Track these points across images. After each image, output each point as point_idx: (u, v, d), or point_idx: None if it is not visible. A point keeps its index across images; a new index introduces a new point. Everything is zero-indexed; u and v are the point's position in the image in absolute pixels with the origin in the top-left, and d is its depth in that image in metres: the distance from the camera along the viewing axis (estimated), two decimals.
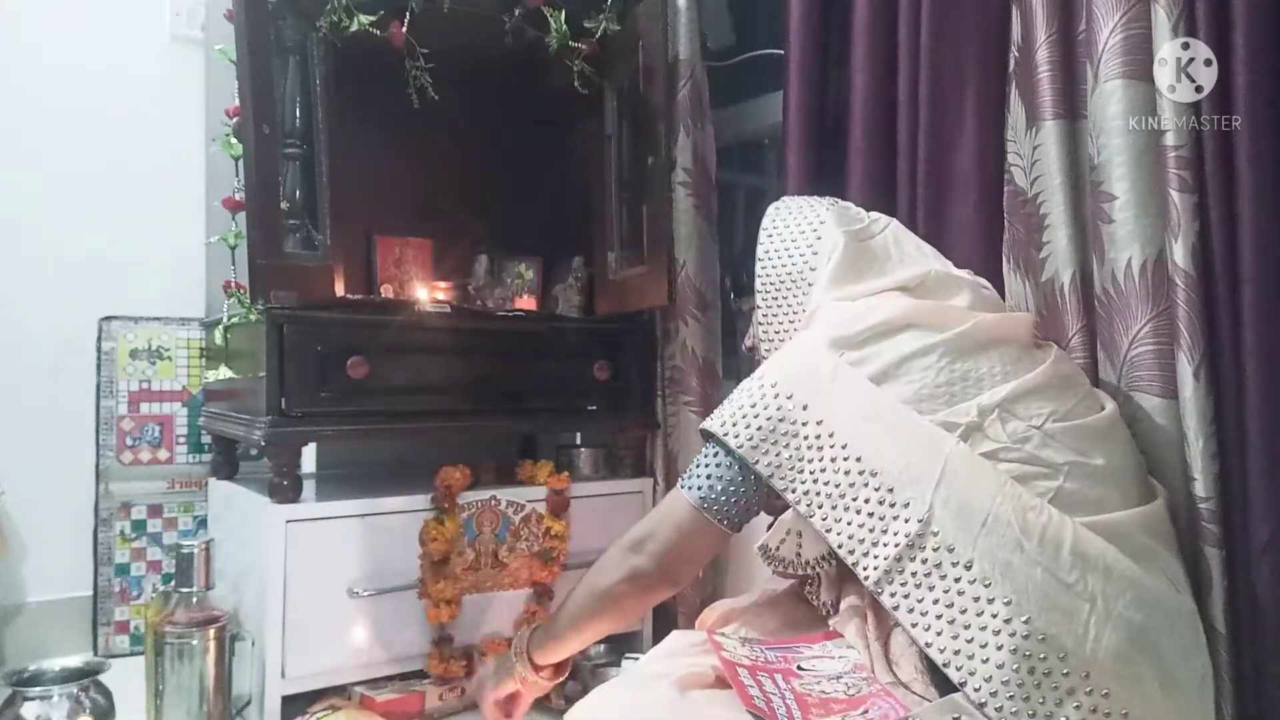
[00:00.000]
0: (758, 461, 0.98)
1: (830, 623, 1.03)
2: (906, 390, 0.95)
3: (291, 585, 1.35)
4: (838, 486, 0.93)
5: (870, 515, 0.91)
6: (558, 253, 1.89)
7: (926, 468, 0.89)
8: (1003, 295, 1.24)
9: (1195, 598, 0.99)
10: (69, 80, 1.84)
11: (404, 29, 1.51)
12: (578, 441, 1.93)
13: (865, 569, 0.90)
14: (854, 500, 0.92)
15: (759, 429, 0.99)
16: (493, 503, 1.49)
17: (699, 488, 1.03)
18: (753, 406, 1.01)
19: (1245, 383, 1.00)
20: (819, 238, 1.13)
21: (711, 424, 1.03)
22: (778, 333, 1.15)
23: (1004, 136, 1.25)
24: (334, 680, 1.40)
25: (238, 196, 1.54)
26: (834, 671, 0.92)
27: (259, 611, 1.38)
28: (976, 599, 0.84)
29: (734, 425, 1.01)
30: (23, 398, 1.80)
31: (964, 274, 1.13)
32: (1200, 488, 1.00)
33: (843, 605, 1.02)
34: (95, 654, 1.78)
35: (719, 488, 1.02)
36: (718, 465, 1.03)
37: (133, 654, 1.77)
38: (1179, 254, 1.01)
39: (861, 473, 0.92)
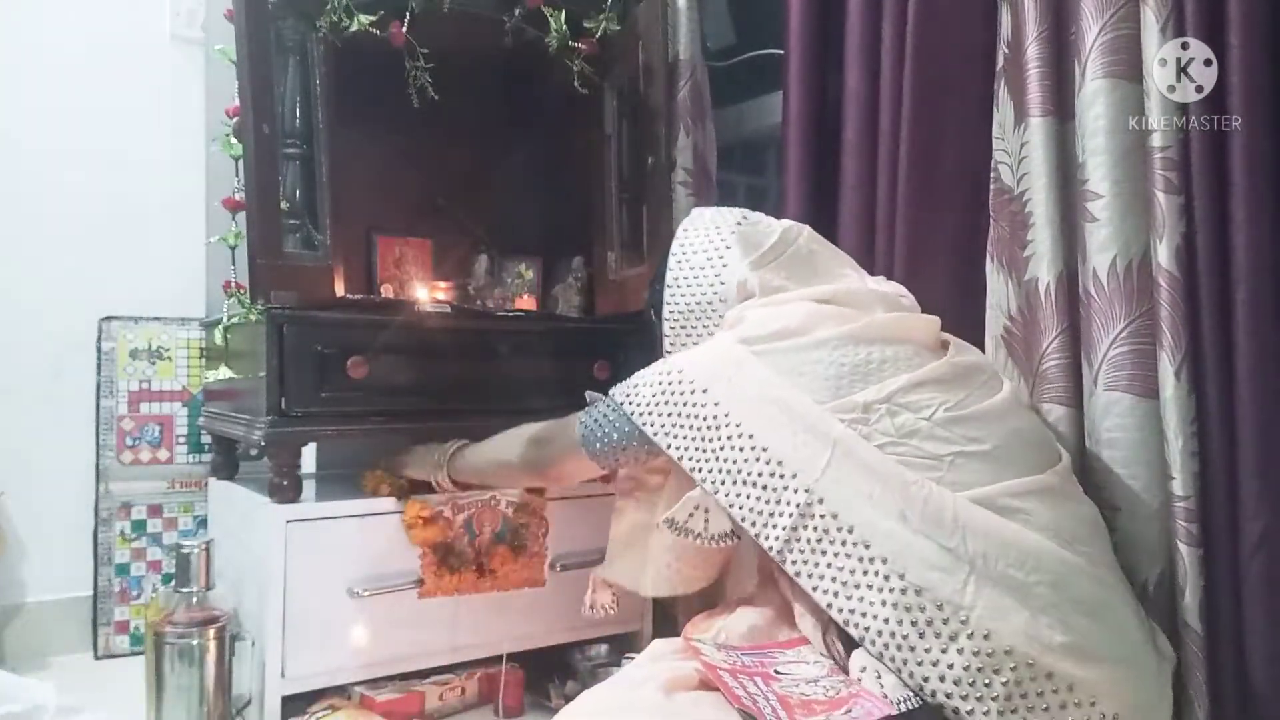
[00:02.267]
0: (670, 445, 1.08)
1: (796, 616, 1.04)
2: (800, 380, 1.01)
3: (291, 585, 1.35)
4: (734, 463, 1.00)
5: (765, 489, 0.97)
6: (558, 253, 1.89)
7: (816, 447, 0.96)
8: (984, 292, 1.24)
9: (1169, 595, 1.01)
10: (68, 80, 1.84)
11: (404, 29, 1.51)
12: None
13: (767, 539, 0.96)
14: (749, 475, 0.99)
15: (668, 415, 1.09)
16: (492, 502, 1.49)
17: (587, 429, 1.19)
18: (663, 392, 1.11)
19: (1236, 382, 1.00)
20: (725, 265, 1.19)
21: (626, 403, 1.14)
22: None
23: (990, 134, 1.25)
24: (334, 680, 1.40)
25: (238, 196, 1.54)
26: (811, 675, 0.93)
27: (259, 611, 1.38)
28: (861, 559, 0.90)
29: (649, 410, 1.11)
30: (23, 398, 1.80)
31: (879, 285, 1.18)
32: (1179, 486, 1.00)
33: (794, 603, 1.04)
34: (95, 654, 1.78)
35: (599, 434, 1.18)
36: (610, 422, 1.17)
37: (133, 654, 1.78)
38: (1163, 255, 1.01)
39: (754, 448, 0.99)
